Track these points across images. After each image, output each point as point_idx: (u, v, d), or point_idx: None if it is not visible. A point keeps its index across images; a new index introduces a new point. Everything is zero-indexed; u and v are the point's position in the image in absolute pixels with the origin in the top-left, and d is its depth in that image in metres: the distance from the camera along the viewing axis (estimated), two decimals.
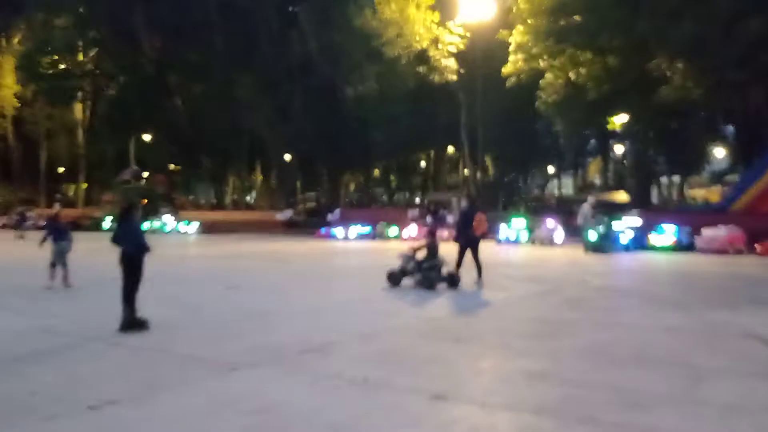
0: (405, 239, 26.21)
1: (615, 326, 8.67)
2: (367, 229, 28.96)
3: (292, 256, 21.23)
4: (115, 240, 8.13)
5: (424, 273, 11.98)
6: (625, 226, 21.79)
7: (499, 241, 24.69)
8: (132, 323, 8.02)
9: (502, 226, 25.29)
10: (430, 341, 7.65)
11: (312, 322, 8.94)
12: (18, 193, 53.19)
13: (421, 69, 32.23)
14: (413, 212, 30.83)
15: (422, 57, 31.97)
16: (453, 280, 12.06)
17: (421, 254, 12.23)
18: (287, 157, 43.72)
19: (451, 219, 26.64)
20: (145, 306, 8.23)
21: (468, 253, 12.73)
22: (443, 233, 22.08)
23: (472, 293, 11.71)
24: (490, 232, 25.14)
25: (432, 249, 12.21)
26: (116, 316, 8.05)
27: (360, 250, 23.99)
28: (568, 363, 6.63)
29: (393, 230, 28.37)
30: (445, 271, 12.11)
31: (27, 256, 17.56)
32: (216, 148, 44.33)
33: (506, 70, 28.46)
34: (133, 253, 8.07)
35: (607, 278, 14.68)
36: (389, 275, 12.32)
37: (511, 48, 28.21)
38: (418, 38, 30.93)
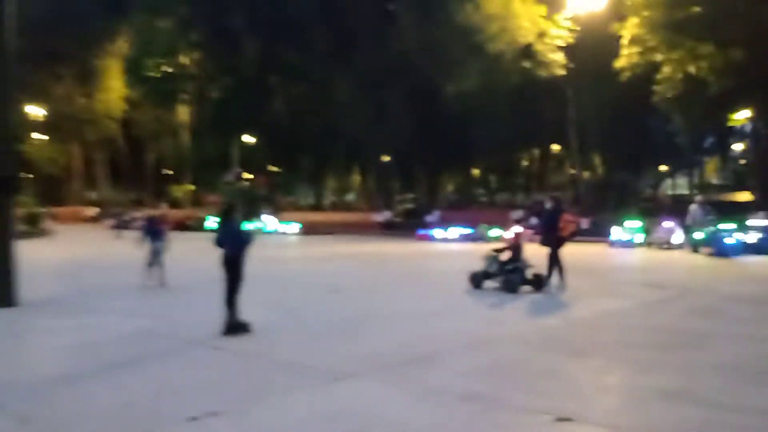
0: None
1: (753, 339, 7.70)
2: (467, 230, 28.29)
3: (391, 257, 20.91)
4: (218, 242, 7.98)
5: (506, 275, 11.56)
6: (738, 227, 20.01)
7: (612, 244, 23.38)
8: (234, 326, 7.84)
9: (615, 227, 23.95)
10: (545, 353, 7.01)
11: (414, 328, 8.48)
12: (127, 193, 55.98)
13: (526, 64, 31.16)
14: (517, 213, 29.79)
15: (527, 52, 30.91)
16: (539, 283, 11.57)
17: (504, 256, 11.81)
18: (385, 157, 43.62)
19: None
20: (246, 309, 8.04)
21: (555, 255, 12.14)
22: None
23: (585, 300, 10.88)
24: (604, 235, 24.05)
25: (516, 251, 11.75)
26: (218, 319, 7.90)
27: (460, 252, 23.35)
28: (705, 380, 5.86)
29: (495, 232, 27.53)
30: (530, 273, 11.63)
31: (125, 256, 18.06)
32: (315, 149, 44.78)
33: (619, 63, 27.00)
34: (234, 255, 7.88)
35: (737, 285, 13.37)
36: (471, 277, 12.01)
37: (624, 41, 26.74)
38: (523, 32, 29.92)
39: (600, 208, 30.73)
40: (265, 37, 42.43)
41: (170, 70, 44.47)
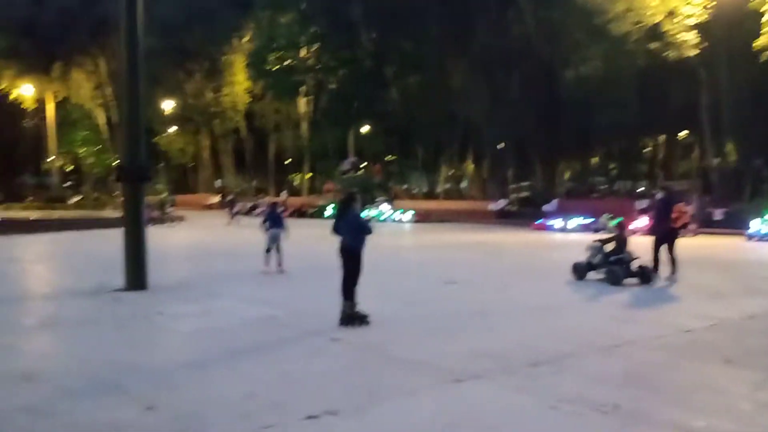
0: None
1: None
2: (587, 220, 27.04)
3: (508, 247, 20.29)
4: (336, 230, 7.89)
5: (611, 267, 11.05)
6: None
7: (749, 237, 21.53)
8: (352, 317, 7.72)
9: (754, 219, 22.04)
10: (689, 359, 6.36)
11: (538, 325, 8.02)
12: (250, 182, 58.27)
13: (653, 45, 29.27)
14: (641, 202, 28.17)
15: (654, 32, 29.01)
16: (645, 276, 11.01)
17: (609, 247, 11.34)
18: (501, 144, 42.64)
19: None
20: (363, 299, 7.90)
21: (664, 248, 11.77)
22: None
23: (727, 299, 9.94)
24: (739, 226, 22.25)
25: (620, 242, 11.25)
26: (335, 308, 7.82)
27: (580, 243, 22.32)
28: None
29: (619, 222, 26.11)
30: (636, 265, 11.10)
31: (246, 242, 18.59)
32: (429, 137, 44.56)
33: (759, 42, 24.76)
34: (353, 245, 7.76)
35: None
36: (574, 268, 11.62)
37: (766, 18, 24.46)
38: (650, 11, 28.08)
39: (734, 198, 28.44)
40: (381, 28, 42.57)
41: (291, 63, 45.68)
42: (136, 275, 10.66)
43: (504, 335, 7.42)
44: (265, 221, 12.96)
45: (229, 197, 37.89)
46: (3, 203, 42.04)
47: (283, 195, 30.85)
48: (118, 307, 9.25)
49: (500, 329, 7.79)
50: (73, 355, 6.62)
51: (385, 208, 35.87)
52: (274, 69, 45.52)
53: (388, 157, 50.74)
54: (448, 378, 5.65)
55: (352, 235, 7.76)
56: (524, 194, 40.80)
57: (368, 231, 7.88)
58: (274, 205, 13.65)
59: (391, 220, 34.64)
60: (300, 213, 37.80)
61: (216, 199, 48.04)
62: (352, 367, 6.14)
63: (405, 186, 53.36)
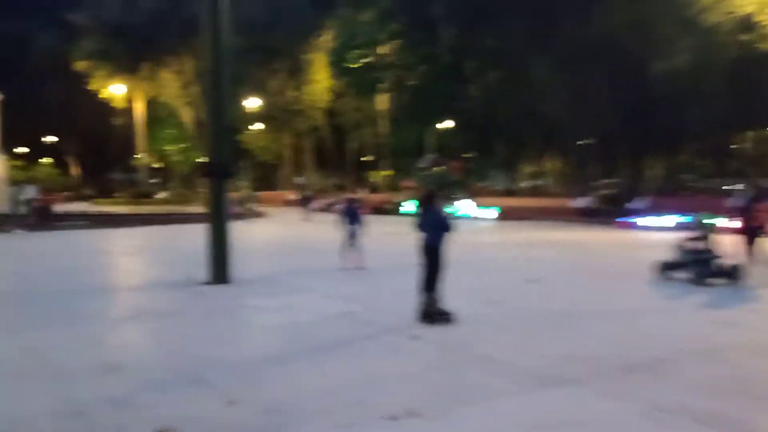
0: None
1: None
2: (677, 218, 25.81)
3: (592, 246, 19.59)
4: (418, 227, 7.74)
5: (698, 267, 10.55)
6: None
7: None
8: (432, 315, 7.56)
9: None
10: None
11: (628, 327, 7.61)
12: (330, 179, 58.98)
13: (745, 37, 27.69)
14: (732, 200, 26.66)
15: (747, 23, 27.44)
16: (734, 275, 10.46)
17: (696, 245, 10.86)
18: (584, 140, 41.38)
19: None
20: (444, 297, 7.72)
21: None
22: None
23: None
24: None
25: (709, 241, 10.81)
26: (414, 306, 7.69)
27: (668, 241, 21.29)
28: None
29: (713, 221, 24.81)
30: (725, 264, 10.60)
31: (325, 238, 18.69)
32: (509, 133, 43.76)
33: None
34: (435, 242, 7.59)
35: None
36: (659, 266, 11.20)
37: None
38: (742, 2, 26.55)
39: None
40: (462, 23, 42.14)
41: (371, 60, 45.92)
42: (220, 269, 10.85)
43: (592, 337, 7.07)
44: (343, 218, 12.96)
45: (306, 194, 38.42)
46: (94, 198, 44.11)
47: (361, 191, 31.10)
48: (202, 300, 9.43)
49: (588, 331, 7.44)
50: (159, 347, 6.76)
51: (464, 205, 35.46)
52: (354, 66, 45.87)
53: (468, 154, 50.21)
54: (535, 381, 5.41)
55: (434, 232, 7.59)
56: (609, 191, 39.50)
57: (450, 228, 7.69)
58: (351, 201, 13.62)
59: (471, 218, 34.22)
60: (378, 210, 37.89)
61: (294, 195, 48.86)
62: (433, 367, 5.97)
63: (485, 183, 52.72)
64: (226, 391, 5.11)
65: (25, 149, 59.86)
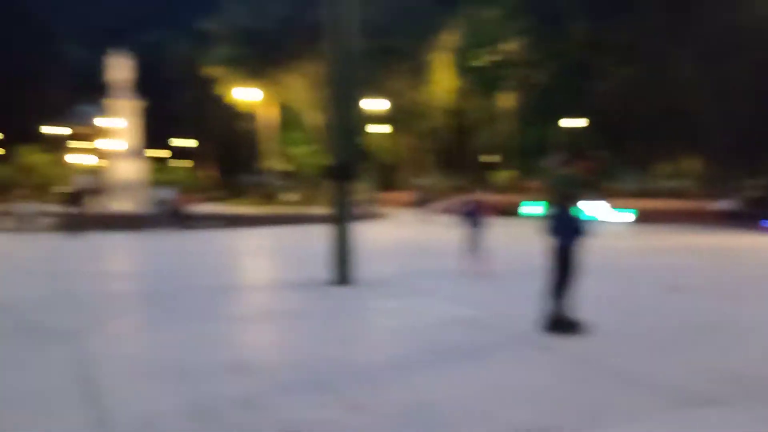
0: None
1: None
2: None
3: (738, 252, 18.04)
4: (548, 230, 7.28)
5: None
6: None
7: None
8: (560, 324, 7.09)
9: None
10: None
11: None
12: (452, 180, 58.57)
13: None
14: None
15: None
16: None
17: None
18: (726, 139, 38.44)
19: None
20: (576, 305, 7.22)
21: None
22: None
23: None
24: None
25: None
26: (543, 314, 7.26)
27: None
28: None
29: None
30: None
31: (444, 240, 18.38)
32: (645, 131, 41.46)
33: None
34: (566, 246, 7.11)
35: None
36: None
37: None
38: None
39: None
40: (594, 17, 40.47)
41: (496, 58, 45.17)
42: (342, 270, 10.87)
43: (744, 354, 6.34)
44: (464, 219, 12.64)
45: (424, 195, 38.29)
46: (226, 199, 46.27)
47: (479, 193, 30.48)
48: (325, 301, 9.46)
49: (738, 347, 6.69)
50: (283, 347, 6.77)
51: (597, 207, 33.94)
52: (478, 65, 45.31)
53: (599, 153, 48.11)
54: (681, 401, 4.88)
55: (566, 235, 7.11)
56: (754, 193, 36.46)
57: (584, 232, 7.19)
58: (474, 202, 13.25)
59: (604, 220, 32.72)
60: (501, 211, 37.06)
61: (411, 197, 48.92)
62: (566, 380, 5.55)
63: (617, 184, 50.36)
64: (349, 396, 4.98)
65: (163, 153, 63.92)
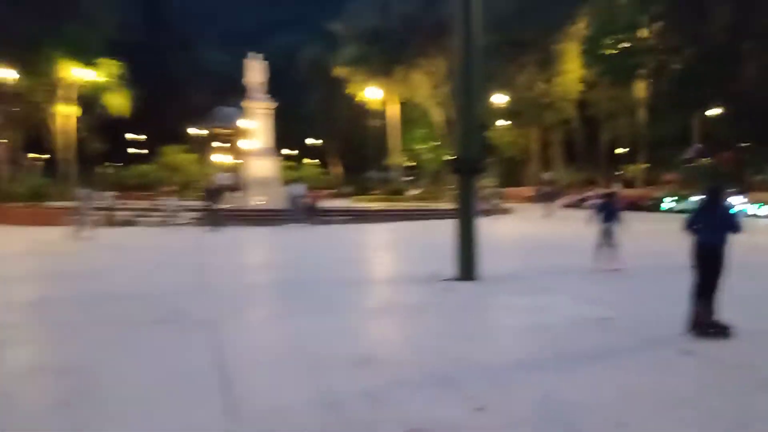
0: None
1: None
2: None
3: None
4: (691, 226, 6.76)
5: None
6: None
7: None
8: (707, 327, 6.58)
9: None
10: None
11: None
12: (580, 173, 56.51)
13: None
14: None
15: None
16: None
17: None
18: None
19: None
20: (722, 307, 6.69)
21: None
22: None
23: None
24: None
25: None
26: (682, 315, 6.78)
27: None
28: None
29: None
30: None
31: (568, 235, 17.69)
32: None
33: None
34: (715, 244, 6.57)
35: None
36: None
37: None
38: None
39: None
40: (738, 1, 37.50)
41: (628, 45, 43.01)
42: (467, 266, 10.73)
43: None
44: (597, 215, 12.08)
45: (547, 190, 37.15)
46: (353, 195, 47.30)
47: (615, 186, 29.12)
48: (450, 296, 9.36)
49: None
50: (408, 342, 6.75)
51: (739, 201, 31.48)
52: (610, 53, 43.34)
53: (742, 144, 44.63)
54: None
55: (714, 232, 6.58)
56: None
57: (737, 228, 6.62)
58: (608, 196, 12.63)
59: (746, 215, 30.28)
60: (635, 206, 35.27)
61: (536, 191, 47.66)
62: (712, 389, 5.13)
63: (761, 176, 46.56)
64: (474, 396, 4.87)
65: (294, 151, 66.38)
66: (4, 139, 48.54)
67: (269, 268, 13.53)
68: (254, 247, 18.95)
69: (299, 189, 26.01)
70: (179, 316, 7.89)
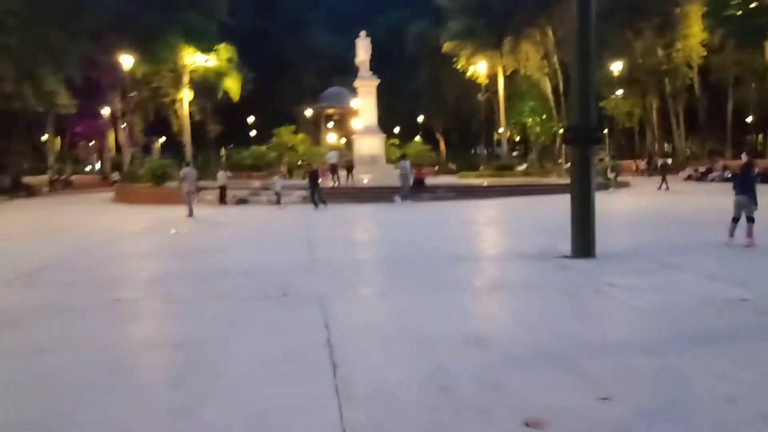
0: None
1: None
2: None
3: None
4: None
5: None
6: None
7: None
8: None
9: None
10: None
11: None
12: (705, 144, 53.04)
13: None
14: None
15: None
16: None
17: None
18: None
19: None
20: None
21: None
22: None
23: None
24: None
25: None
26: None
27: None
28: None
29: None
30: None
31: (690, 209, 16.54)
32: None
33: None
34: None
35: None
36: None
37: None
38: None
39: None
40: None
41: (758, 4, 39.53)
42: (584, 242, 10.16)
43: None
44: (733, 186, 11.14)
45: (661, 162, 35.04)
46: (459, 172, 46.76)
47: (744, 157, 26.90)
48: (565, 274, 8.88)
49: None
50: (520, 322, 6.38)
51: None
52: (736, 14, 40.03)
53: None
54: None
55: None
56: None
57: None
58: (746, 167, 11.61)
59: None
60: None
61: (655, 162, 45.00)
62: None
63: None
64: (597, 383, 4.48)
65: (399, 128, 66.49)
66: (129, 123, 51.66)
67: (376, 245, 13.49)
68: (361, 224, 19.03)
69: (406, 166, 26.00)
70: (289, 291, 7.92)
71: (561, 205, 10.92)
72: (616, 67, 45.93)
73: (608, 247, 10.36)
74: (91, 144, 68.56)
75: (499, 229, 16.41)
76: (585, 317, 6.51)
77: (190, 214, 19.59)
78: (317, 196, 23.13)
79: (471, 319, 6.55)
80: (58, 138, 56.23)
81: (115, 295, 7.96)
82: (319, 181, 24.02)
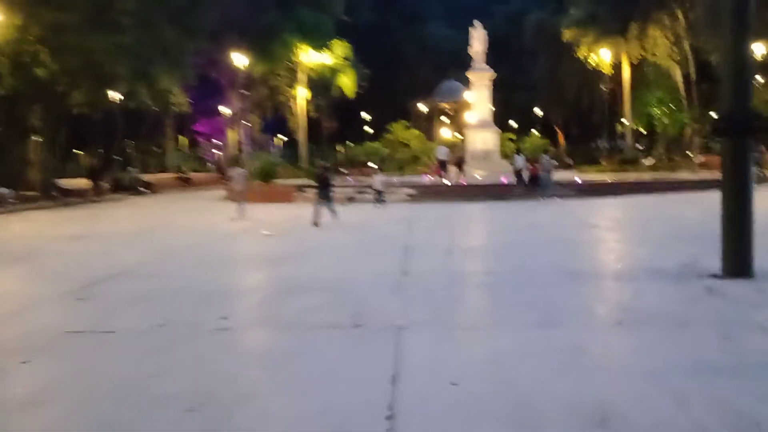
0: None
1: None
2: None
3: None
4: None
5: None
6: None
7: None
8: None
9: None
10: None
11: None
12: None
13: None
14: None
15: None
16: None
17: None
18: None
19: None
20: None
21: None
22: None
23: None
24: None
25: None
26: None
27: None
28: None
29: None
30: None
31: None
32: None
33: None
34: None
35: None
36: None
37: None
38: None
39: None
40: None
41: None
42: (739, 256, 8.09)
43: None
44: None
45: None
46: (578, 166, 43.90)
47: None
48: (716, 301, 6.92)
49: None
50: (664, 386, 4.54)
51: None
52: None
53: None
54: None
55: None
56: None
57: None
58: None
59: None
60: None
61: None
62: None
63: None
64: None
65: (516, 122, 63.89)
66: (249, 122, 52.67)
67: (479, 254, 11.88)
68: (469, 225, 17.52)
69: (520, 161, 24.15)
70: (364, 319, 6.50)
71: (698, 204, 8.92)
72: (759, 50, 40.97)
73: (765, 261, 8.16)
74: (211, 142, 70.94)
75: (626, 235, 14.26)
76: (753, 378, 4.63)
77: (239, 215, 17.84)
78: (327, 200, 17.16)
79: (595, 375, 4.78)
80: (179, 137, 58.29)
81: (161, 318, 6.65)
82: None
